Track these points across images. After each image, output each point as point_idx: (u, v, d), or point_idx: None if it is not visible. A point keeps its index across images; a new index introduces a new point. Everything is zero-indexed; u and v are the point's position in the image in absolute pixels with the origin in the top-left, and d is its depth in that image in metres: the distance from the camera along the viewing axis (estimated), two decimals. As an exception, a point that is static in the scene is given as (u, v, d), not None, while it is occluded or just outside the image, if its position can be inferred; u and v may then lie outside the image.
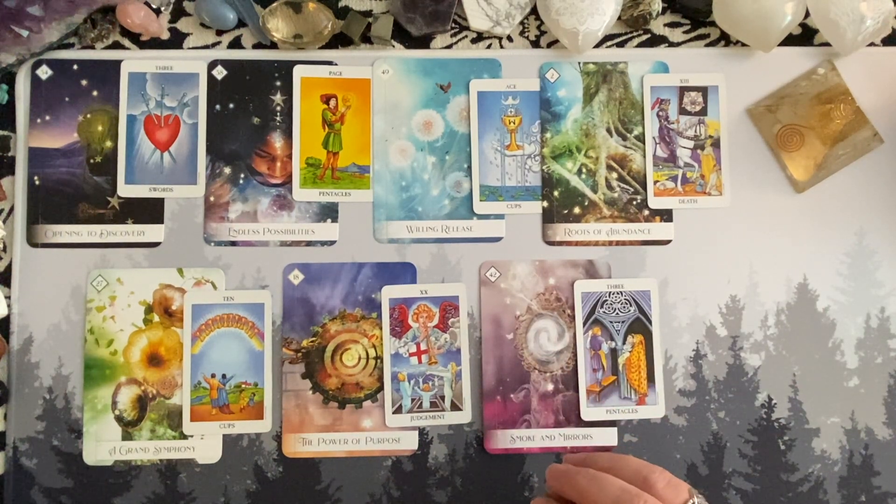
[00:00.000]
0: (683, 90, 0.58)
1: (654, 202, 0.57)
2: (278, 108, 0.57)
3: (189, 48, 0.57)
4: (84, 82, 0.56)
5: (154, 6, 0.57)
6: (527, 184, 0.57)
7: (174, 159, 0.56)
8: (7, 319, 0.54)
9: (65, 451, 0.54)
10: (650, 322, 0.55)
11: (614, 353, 0.55)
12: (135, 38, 0.57)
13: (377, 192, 0.56)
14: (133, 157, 0.56)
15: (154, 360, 0.54)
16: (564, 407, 0.55)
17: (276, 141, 0.57)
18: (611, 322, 0.56)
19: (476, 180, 0.56)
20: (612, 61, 0.58)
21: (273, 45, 0.57)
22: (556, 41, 0.57)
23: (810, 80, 0.57)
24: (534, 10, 0.58)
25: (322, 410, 0.54)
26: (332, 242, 0.56)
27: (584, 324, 0.55)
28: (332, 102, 0.57)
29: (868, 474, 0.55)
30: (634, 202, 0.57)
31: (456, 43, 0.58)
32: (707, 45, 0.58)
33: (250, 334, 0.55)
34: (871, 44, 0.57)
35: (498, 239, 0.56)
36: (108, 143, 0.56)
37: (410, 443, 0.54)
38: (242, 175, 0.56)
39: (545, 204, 0.57)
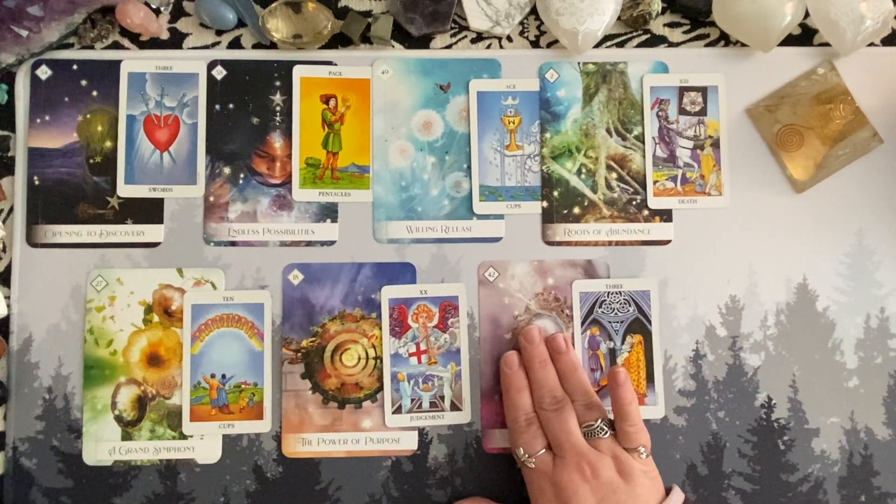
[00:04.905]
0: (683, 90, 0.57)
1: (654, 202, 0.57)
2: (278, 108, 0.57)
3: (189, 48, 0.57)
4: (83, 82, 0.56)
5: (154, 6, 0.57)
6: (526, 184, 0.57)
7: (174, 159, 0.56)
8: (7, 319, 0.54)
9: (64, 451, 0.54)
10: (649, 322, 0.55)
11: (613, 354, 0.55)
12: (134, 38, 0.57)
13: (377, 192, 0.56)
14: (133, 157, 0.56)
15: (154, 360, 0.54)
16: (564, 407, 0.55)
17: (276, 141, 0.57)
18: (609, 322, 0.55)
19: (476, 180, 0.56)
20: (612, 61, 0.58)
21: (273, 45, 0.57)
22: (556, 41, 0.57)
23: (810, 80, 0.57)
24: (533, 11, 0.58)
25: (322, 410, 0.54)
26: (332, 242, 0.56)
27: (583, 324, 0.55)
28: (332, 102, 0.57)
29: (868, 474, 0.55)
30: (634, 202, 0.57)
31: (455, 43, 0.58)
32: (707, 45, 0.58)
33: (250, 334, 0.55)
34: (871, 44, 0.57)
35: (497, 239, 0.56)
36: (108, 143, 0.56)
37: (410, 443, 0.54)
38: (242, 175, 0.56)
39: (545, 204, 0.57)
